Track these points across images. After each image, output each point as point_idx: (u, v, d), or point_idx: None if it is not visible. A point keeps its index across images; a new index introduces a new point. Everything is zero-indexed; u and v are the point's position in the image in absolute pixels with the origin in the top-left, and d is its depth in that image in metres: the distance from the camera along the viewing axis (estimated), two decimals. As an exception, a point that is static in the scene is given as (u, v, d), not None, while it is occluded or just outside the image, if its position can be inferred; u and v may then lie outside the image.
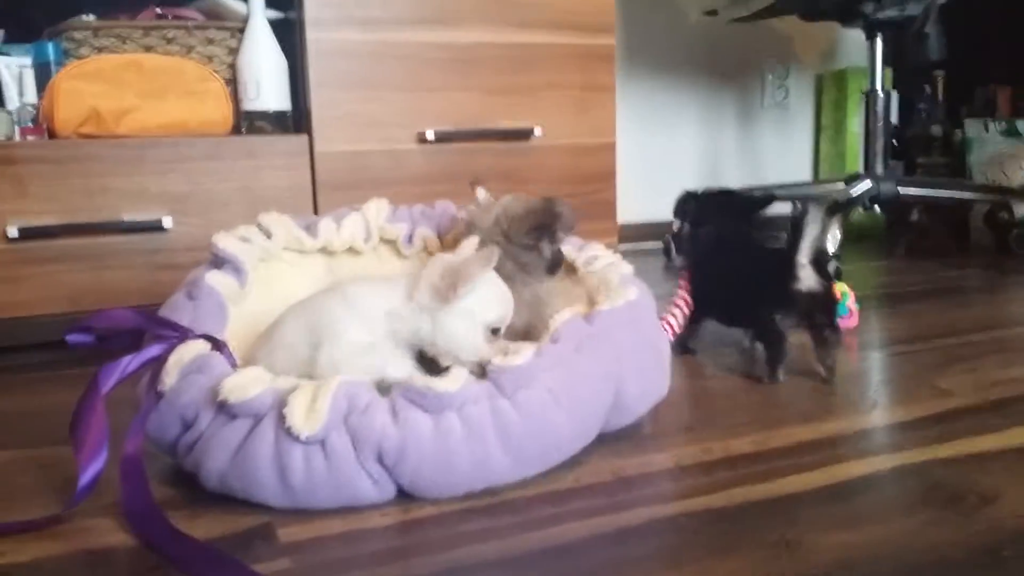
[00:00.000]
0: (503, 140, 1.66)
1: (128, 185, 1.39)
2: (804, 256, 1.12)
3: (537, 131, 1.68)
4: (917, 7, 2.00)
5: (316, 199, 1.53)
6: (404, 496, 0.78)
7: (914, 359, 1.24)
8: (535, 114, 1.69)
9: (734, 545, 0.68)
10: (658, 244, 2.43)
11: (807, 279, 1.11)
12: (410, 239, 1.16)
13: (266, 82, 1.51)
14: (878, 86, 2.16)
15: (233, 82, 1.54)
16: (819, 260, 1.13)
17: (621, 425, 0.90)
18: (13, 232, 1.31)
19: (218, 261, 0.99)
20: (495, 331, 0.86)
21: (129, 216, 1.39)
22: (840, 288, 1.42)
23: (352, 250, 1.16)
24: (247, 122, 1.53)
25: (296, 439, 0.74)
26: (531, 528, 0.72)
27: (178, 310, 0.93)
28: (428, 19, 1.58)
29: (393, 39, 1.56)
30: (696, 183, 2.71)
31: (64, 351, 0.92)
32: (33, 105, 1.42)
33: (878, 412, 1.01)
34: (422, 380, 0.78)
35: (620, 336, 0.90)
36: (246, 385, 0.77)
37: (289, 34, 1.57)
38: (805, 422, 0.97)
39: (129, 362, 0.83)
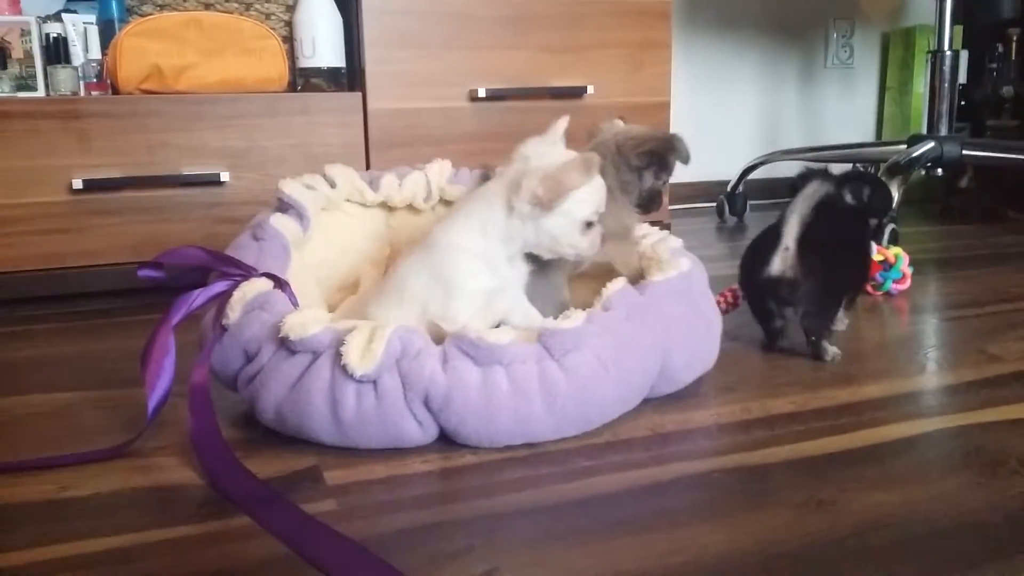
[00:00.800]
0: (555, 98, 1.66)
1: (187, 140, 1.43)
2: (789, 238, 1.01)
3: (590, 89, 1.67)
4: (989, -39, 1.92)
5: (368, 156, 1.55)
6: (446, 442, 0.81)
7: (965, 324, 1.22)
8: (588, 72, 1.68)
9: (766, 502, 0.69)
10: (712, 204, 2.41)
11: (777, 265, 1.02)
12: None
13: (321, 39, 1.53)
14: (945, 45, 2.09)
15: (289, 40, 1.56)
16: (808, 241, 1.01)
17: (666, 392, 0.91)
18: (78, 184, 1.36)
19: (283, 206, 1.03)
20: (590, 224, 0.88)
21: (188, 170, 1.43)
22: (894, 251, 1.40)
23: (412, 207, 1.18)
24: (302, 79, 1.56)
25: (350, 377, 0.77)
26: (568, 479, 0.74)
27: (243, 250, 0.97)
28: (481, -24, 1.58)
29: (447, -4, 1.57)
30: (754, 144, 2.69)
31: (128, 299, 0.96)
32: (97, 61, 1.46)
33: (923, 376, 1.00)
34: (475, 331, 0.80)
35: (670, 307, 0.90)
36: (306, 323, 0.80)
37: (344, -9, 1.59)
38: (847, 385, 0.97)
39: (197, 296, 0.87)
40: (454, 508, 0.69)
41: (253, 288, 0.86)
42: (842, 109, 2.81)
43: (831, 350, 1.05)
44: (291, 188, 1.03)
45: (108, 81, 1.44)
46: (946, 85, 2.09)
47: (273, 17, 1.56)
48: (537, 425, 0.80)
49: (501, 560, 0.60)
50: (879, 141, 2.76)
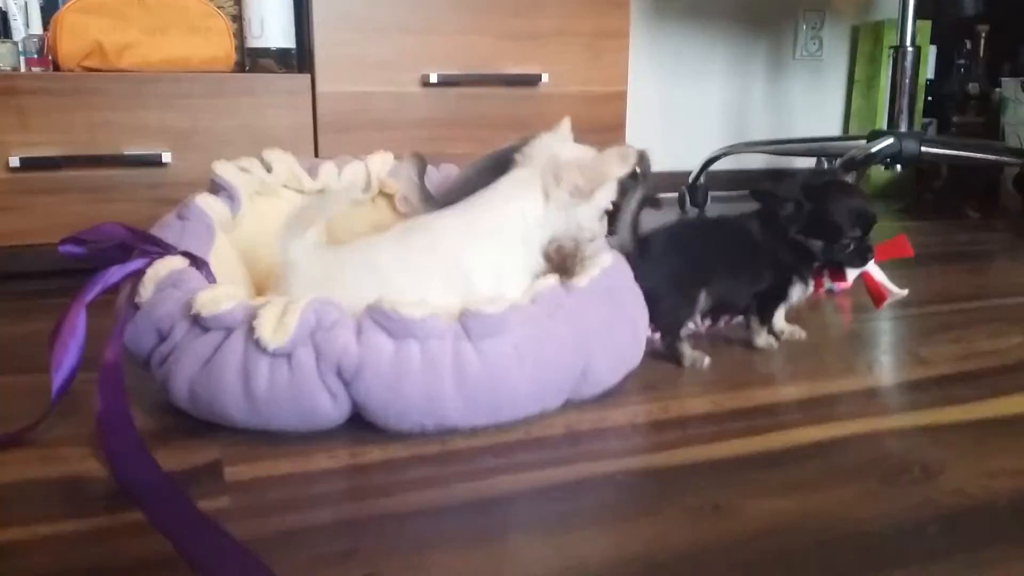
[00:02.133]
0: (510, 86, 1.65)
1: (130, 119, 1.41)
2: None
3: (544, 77, 1.66)
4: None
5: (317, 139, 1.54)
6: (356, 434, 0.80)
7: (903, 324, 1.23)
8: (543, 60, 1.67)
9: (663, 506, 0.69)
10: (676, 195, 2.41)
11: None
12: (404, 198, 1.17)
13: (270, 19, 1.51)
14: (907, 40, 2.09)
15: (239, 19, 1.54)
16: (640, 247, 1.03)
17: (589, 395, 0.90)
18: (15, 162, 1.34)
19: (215, 187, 1.02)
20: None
21: (129, 150, 1.41)
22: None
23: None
24: (250, 60, 1.54)
25: (263, 351, 0.76)
26: (473, 478, 0.74)
27: (167, 229, 0.96)
28: (436, -41, 1.56)
29: (399, -21, 1.55)
30: (721, 135, 2.68)
31: (64, 279, 0.95)
32: (39, 37, 1.43)
33: (848, 378, 1.00)
34: (392, 303, 0.79)
35: (594, 309, 0.89)
36: (218, 299, 0.79)
37: (296, -29, 1.56)
38: (769, 385, 0.97)
39: (112, 274, 0.86)
40: (349, 508, 0.69)
41: (167, 266, 0.85)
42: (810, 101, 2.81)
43: (688, 354, 1.02)
44: (224, 170, 1.02)
45: (49, 57, 1.41)
46: (907, 81, 2.10)
47: (223, -5, 1.53)
48: (447, 405, 0.79)
49: (382, 564, 0.60)
50: (841, 136, 2.76)
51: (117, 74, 1.40)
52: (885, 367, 1.05)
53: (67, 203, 1.39)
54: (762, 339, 1.09)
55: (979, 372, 1.02)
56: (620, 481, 0.74)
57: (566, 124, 1.00)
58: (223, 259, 0.98)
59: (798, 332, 1.13)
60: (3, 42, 1.39)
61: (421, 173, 1.00)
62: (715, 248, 1.07)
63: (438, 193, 1.10)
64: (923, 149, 2.06)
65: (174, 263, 0.86)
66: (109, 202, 1.41)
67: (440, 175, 1.18)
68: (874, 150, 2.05)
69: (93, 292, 0.85)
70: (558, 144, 0.96)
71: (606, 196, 0.94)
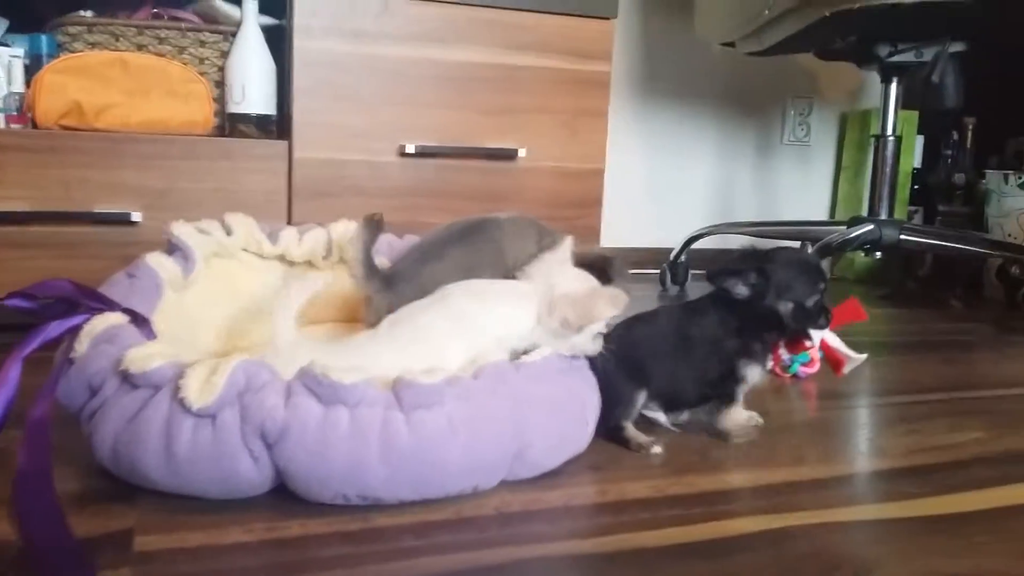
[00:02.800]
0: (487, 159, 1.66)
1: (105, 178, 1.42)
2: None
3: (522, 152, 1.68)
4: (932, 52, 1.96)
5: (291, 204, 1.55)
6: (277, 508, 0.78)
7: (865, 414, 1.21)
8: (521, 136, 1.69)
9: (579, 595, 0.67)
10: (657, 271, 2.41)
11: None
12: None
13: (252, 86, 1.53)
14: (889, 130, 2.11)
15: (222, 85, 1.57)
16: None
17: (526, 475, 0.88)
18: (-17, 216, 1.35)
19: (171, 247, 1.02)
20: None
21: (101, 208, 1.42)
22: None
23: (311, 263, 1.18)
24: (231, 125, 1.56)
25: (188, 411, 0.75)
26: (387, 559, 0.72)
27: (115, 286, 0.98)
28: (417, 35, 1.60)
29: (381, 53, 1.58)
30: (706, 214, 2.70)
31: (12, 334, 0.94)
32: (20, 95, 1.45)
33: (797, 468, 0.98)
34: (323, 368, 0.78)
35: (541, 389, 0.88)
36: (148, 356, 0.79)
37: (281, 41, 1.60)
38: (714, 472, 0.95)
39: (52, 328, 0.85)
40: (253, 584, 0.67)
41: (104, 321, 0.85)
42: (797, 186, 2.83)
43: (634, 441, 1.00)
44: (181, 230, 1.03)
45: (29, 115, 1.43)
46: (888, 169, 2.12)
47: (207, 62, 1.56)
48: (370, 475, 0.77)
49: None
50: (824, 220, 2.78)
51: (96, 133, 1.42)
52: (837, 457, 1.03)
53: (35, 258, 1.39)
54: (729, 420, 1.05)
55: (931, 467, 1.00)
56: (536, 568, 0.72)
57: (567, 244, 1.04)
58: (171, 318, 0.97)
59: (755, 419, 1.09)
60: (-18, 98, 1.42)
61: (368, 243, 1.00)
62: (656, 343, 1.05)
63: (395, 260, 1.10)
64: (902, 237, 2.06)
65: (112, 319, 0.85)
66: (76, 259, 1.41)
67: (403, 245, 1.19)
68: (852, 235, 2.06)
69: (31, 346, 0.84)
70: (557, 267, 1.01)
71: (601, 327, 0.96)
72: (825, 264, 1.81)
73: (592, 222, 1.78)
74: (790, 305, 1.02)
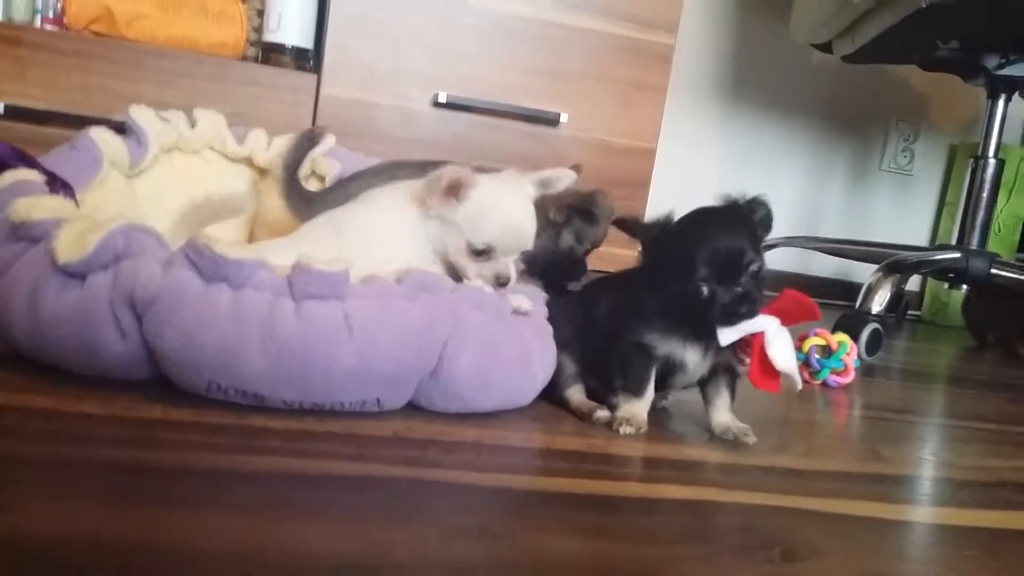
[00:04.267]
0: (525, 121, 1.57)
1: (125, 88, 1.40)
2: None
3: (564, 118, 1.57)
4: (1048, 67, 1.75)
5: (314, 141, 1.49)
6: (159, 388, 0.70)
7: (883, 426, 1.05)
8: (566, 101, 1.59)
9: (431, 518, 0.56)
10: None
11: None
12: (339, 179, 1.09)
13: (288, 15, 1.49)
14: (990, 152, 1.90)
15: (263, 12, 1.53)
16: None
17: (444, 406, 0.77)
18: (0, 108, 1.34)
19: (128, 129, 0.97)
20: (480, 252, 0.85)
21: (120, 117, 1.39)
22: (839, 338, 1.23)
23: (279, 171, 1.10)
24: (264, 53, 1.52)
25: (57, 268, 0.68)
26: (232, 451, 0.62)
27: (54, 154, 0.93)
28: (467, -20, 1.52)
29: (426, -6, 1.51)
30: (789, 232, 2.51)
31: None
32: (59, -2, 1.46)
33: (772, 455, 0.83)
34: (208, 239, 0.69)
35: (474, 314, 0.77)
36: (33, 207, 0.72)
37: (330, -25, 1.55)
38: (669, 442, 0.81)
39: None
40: (69, 450, 0.59)
41: (15, 176, 0.79)
42: (892, 218, 2.62)
43: (575, 403, 0.85)
44: (139, 114, 0.98)
45: (64, 19, 1.42)
46: (984, 195, 1.91)
47: (252, -12, 1.53)
48: (246, 365, 0.67)
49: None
50: (909, 245, 2.54)
51: (121, 42, 1.40)
52: (822, 453, 0.88)
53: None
54: (603, 412, 0.82)
55: (936, 480, 0.84)
56: (409, 488, 0.61)
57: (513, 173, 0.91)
58: (117, 202, 0.91)
59: (743, 434, 0.82)
60: (21, -4, 1.42)
61: (295, 159, 0.92)
62: (573, 311, 0.90)
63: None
64: (993, 271, 1.85)
65: (24, 175, 0.80)
66: (84, 164, 1.39)
67: (353, 160, 1.10)
68: (933, 258, 1.86)
69: None
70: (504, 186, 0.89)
71: (480, 231, 0.85)
72: (889, 283, 1.62)
73: (637, 205, 1.65)
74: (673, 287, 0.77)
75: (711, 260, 0.75)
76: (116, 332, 0.68)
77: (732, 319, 0.75)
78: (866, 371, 1.41)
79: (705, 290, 0.75)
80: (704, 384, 0.84)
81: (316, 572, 0.46)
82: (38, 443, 0.59)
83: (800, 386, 0.79)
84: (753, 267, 0.75)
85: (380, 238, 0.85)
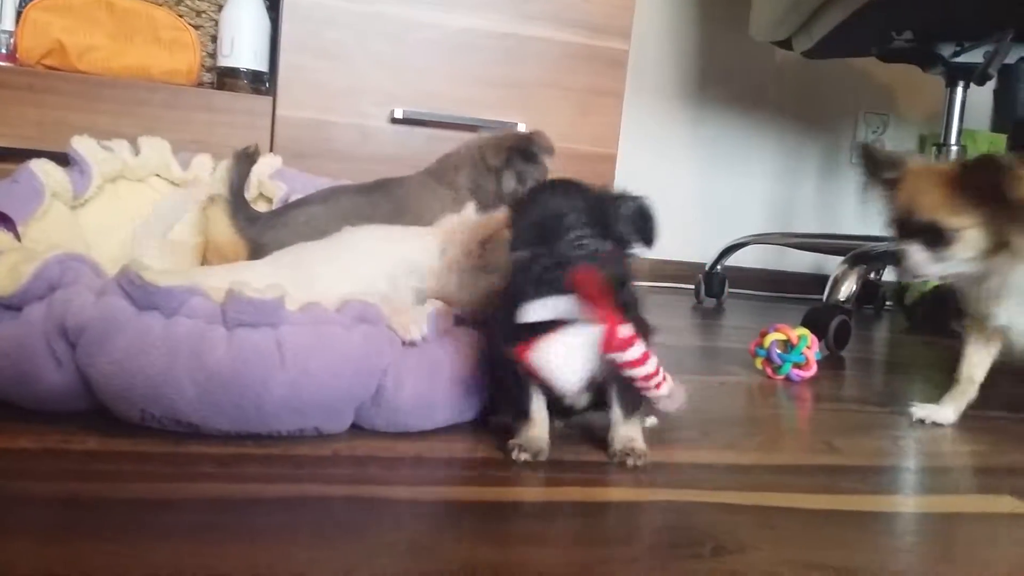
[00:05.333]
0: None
1: (81, 121, 1.40)
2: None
3: (522, 127, 1.57)
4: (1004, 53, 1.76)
5: (272, 164, 1.49)
6: (98, 419, 0.70)
7: (842, 417, 1.05)
8: (524, 111, 1.59)
9: (365, 535, 0.56)
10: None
11: None
12: (285, 202, 1.10)
13: (240, 40, 1.49)
14: (952, 139, 1.91)
15: (217, 37, 1.54)
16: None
17: (387, 426, 0.77)
18: (-48, 147, 1.34)
19: (70, 160, 0.98)
20: None
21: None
22: (799, 332, 1.23)
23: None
24: (220, 78, 1.52)
25: None
26: (165, 480, 0.62)
27: None
28: (418, -4, 1.53)
29: (378, 11, 1.51)
30: (762, 229, 2.52)
31: None
32: (9, 33, 1.46)
33: (720, 451, 0.84)
34: (138, 265, 0.69)
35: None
36: None
37: (281, -1, 1.56)
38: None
39: None
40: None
41: None
42: (865, 208, 2.62)
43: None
44: (81, 144, 0.98)
45: (16, 55, 1.43)
46: (948, 183, 1.91)
47: (204, 15, 1.54)
48: (176, 394, 0.67)
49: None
50: (881, 236, 2.55)
51: (75, 74, 1.40)
52: (775, 448, 0.88)
53: (-2, 193, 1.38)
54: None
55: (884, 469, 0.84)
56: (337, 507, 0.61)
57: (470, 209, 0.92)
58: (61, 234, 0.91)
59: (626, 455, 0.73)
60: (-28, 35, 1.42)
61: (238, 177, 0.92)
62: None
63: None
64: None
65: (-36, 213, 0.80)
66: (41, 197, 1.39)
67: (301, 181, 1.11)
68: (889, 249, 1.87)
69: None
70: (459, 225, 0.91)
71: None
72: (853, 275, 1.62)
73: (600, 210, 1.66)
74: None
75: (531, 222, 0.69)
76: (52, 362, 0.68)
77: (540, 288, 0.66)
78: (835, 363, 1.41)
79: (527, 254, 0.68)
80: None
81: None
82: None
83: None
84: (575, 235, 0.68)
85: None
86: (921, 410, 1.02)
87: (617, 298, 0.68)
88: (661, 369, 0.72)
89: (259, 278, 0.75)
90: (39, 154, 1.34)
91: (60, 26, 1.39)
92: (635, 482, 0.72)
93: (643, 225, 0.72)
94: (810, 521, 0.67)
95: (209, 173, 1.07)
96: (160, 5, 1.48)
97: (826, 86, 2.51)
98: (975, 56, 1.82)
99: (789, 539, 0.62)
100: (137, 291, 0.68)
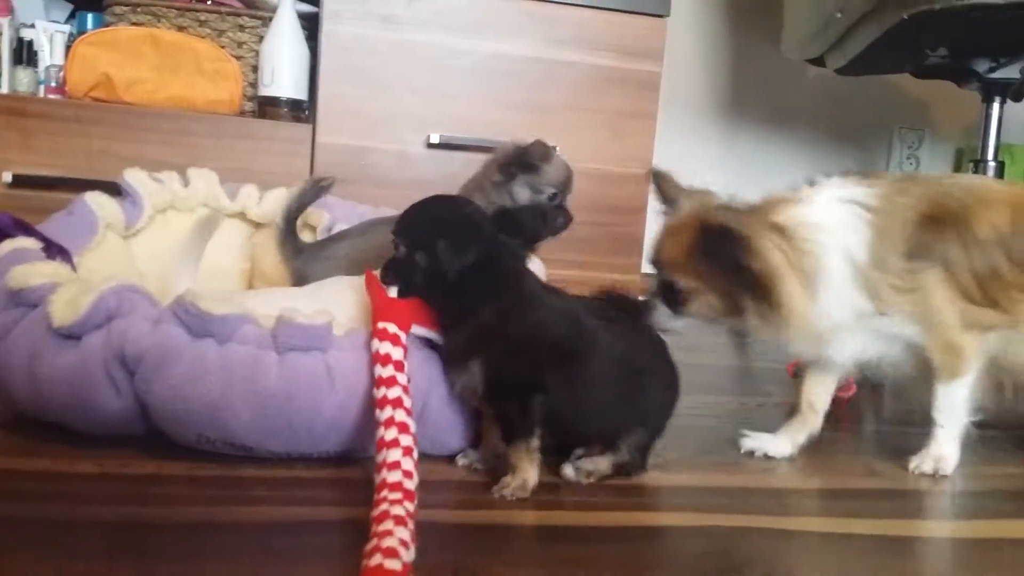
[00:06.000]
0: (518, 155, 1.59)
1: (127, 151, 1.44)
2: None
3: (556, 151, 1.59)
4: (1039, 68, 1.75)
5: (312, 190, 1.52)
6: (155, 443, 0.73)
7: (881, 439, 1.05)
8: (558, 134, 1.60)
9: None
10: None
11: None
12: (329, 230, 1.12)
13: (282, 70, 1.53)
14: (989, 155, 1.90)
15: (258, 67, 1.58)
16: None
17: (433, 450, 0.77)
18: (7, 178, 1.39)
19: (123, 191, 1.01)
20: None
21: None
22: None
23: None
24: (261, 108, 1.56)
25: (53, 331, 0.71)
26: (219, 503, 0.65)
27: (52, 221, 0.97)
28: (452, 24, 1.56)
29: (412, 40, 1.54)
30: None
31: None
32: (59, 67, 1.51)
33: (761, 474, 0.84)
34: (193, 295, 0.72)
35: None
36: (30, 274, 0.76)
37: (318, 28, 1.59)
38: (663, 471, 0.83)
39: None
40: (60, 509, 0.61)
41: (14, 244, 0.83)
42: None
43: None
44: (133, 176, 1.02)
45: (65, 88, 1.48)
46: (987, 198, 1.90)
47: (245, 46, 1.57)
48: (232, 418, 0.70)
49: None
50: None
51: (121, 106, 1.45)
52: (831, 471, 0.88)
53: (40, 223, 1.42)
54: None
55: (923, 493, 0.84)
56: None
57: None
58: (115, 264, 0.95)
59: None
60: (24, 69, 1.47)
61: (294, 207, 0.95)
62: None
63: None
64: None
65: (23, 243, 0.84)
66: (90, 226, 1.43)
67: (344, 209, 1.13)
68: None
69: None
70: None
71: None
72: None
73: (635, 230, 1.67)
74: None
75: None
76: (111, 389, 0.71)
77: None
78: (874, 383, 1.40)
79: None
80: None
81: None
82: (37, 504, 0.62)
83: None
84: (401, 248, 0.74)
85: None
86: (752, 441, 0.90)
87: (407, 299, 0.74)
88: (400, 418, 0.66)
89: (303, 305, 0.77)
90: (88, 183, 1.39)
91: (108, 60, 1.43)
92: (673, 507, 0.73)
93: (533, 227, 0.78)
94: (856, 547, 0.67)
95: (255, 203, 1.10)
96: (203, 38, 1.52)
97: (860, 102, 2.50)
98: (1011, 72, 1.81)
99: (836, 566, 0.63)
100: (192, 319, 0.71)
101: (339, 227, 1.09)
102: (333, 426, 0.72)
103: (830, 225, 0.81)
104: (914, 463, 0.87)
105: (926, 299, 0.81)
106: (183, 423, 0.71)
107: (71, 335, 0.71)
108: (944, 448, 0.87)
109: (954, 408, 0.86)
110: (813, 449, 0.98)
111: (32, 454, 0.71)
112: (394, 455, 0.62)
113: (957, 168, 2.62)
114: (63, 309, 0.71)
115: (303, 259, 0.95)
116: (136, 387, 0.70)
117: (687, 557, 0.63)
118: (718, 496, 0.76)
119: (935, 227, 0.82)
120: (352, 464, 0.74)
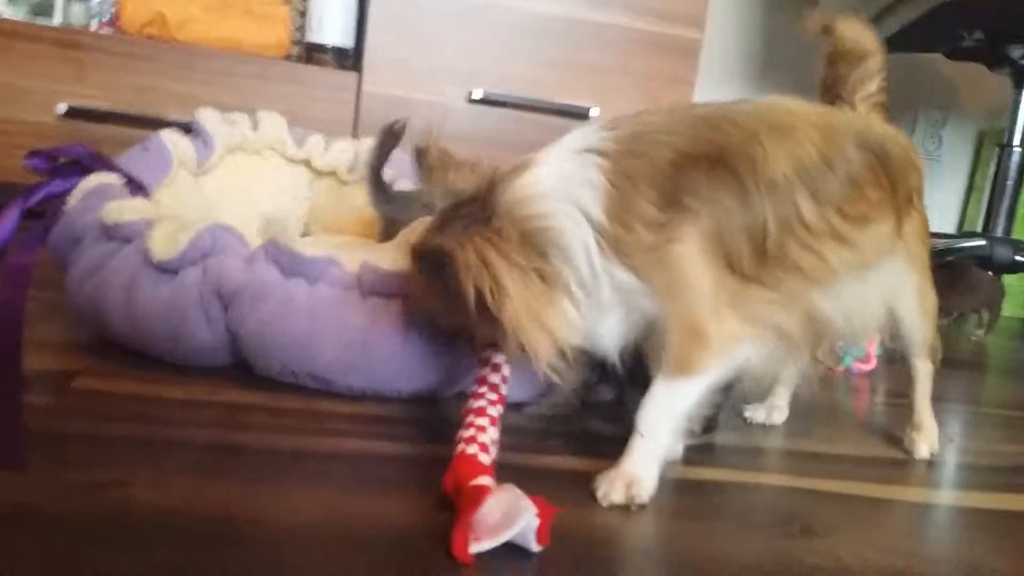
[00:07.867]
0: (556, 115, 1.62)
1: (177, 88, 1.47)
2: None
3: (594, 111, 1.62)
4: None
5: (356, 137, 1.55)
6: (238, 374, 0.77)
7: (902, 412, 1.10)
8: (596, 95, 1.64)
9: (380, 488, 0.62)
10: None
11: None
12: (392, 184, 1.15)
13: (328, 16, 1.55)
14: (1015, 141, 1.93)
15: (305, 13, 1.59)
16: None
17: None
18: (62, 109, 1.41)
19: (194, 131, 1.05)
20: None
21: (172, 116, 1.46)
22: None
23: (336, 176, 1.17)
24: (308, 53, 1.58)
25: (151, 264, 0.75)
26: (300, 433, 0.69)
27: (128, 155, 1.00)
28: (501, -20, 1.57)
29: (462, -6, 1.56)
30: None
31: None
32: (113, 2, 1.52)
33: (797, 438, 0.89)
34: (287, 238, 0.76)
35: None
36: (123, 209, 0.80)
37: (369, -23, 1.61)
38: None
39: (55, 185, 0.88)
40: (139, 429, 0.66)
41: (99, 179, 0.86)
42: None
43: None
44: (205, 116, 1.05)
45: (119, 23, 1.50)
46: (1009, 183, 1.94)
47: (298, -10, 1.59)
48: (317, 354, 0.75)
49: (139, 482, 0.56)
50: (933, 232, 2.56)
51: (172, 44, 1.47)
52: (852, 439, 0.93)
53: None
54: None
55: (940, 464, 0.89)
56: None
57: None
58: (187, 200, 0.98)
59: None
60: (78, 2, 1.49)
61: (380, 154, 0.98)
62: None
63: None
64: (1018, 258, 1.88)
65: (106, 178, 0.87)
66: (140, 161, 1.46)
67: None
68: (957, 246, 1.90)
69: (34, 198, 0.86)
70: None
71: None
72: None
73: (665, 195, 1.70)
74: None
75: None
76: (204, 322, 0.75)
77: None
78: (892, 358, 1.45)
79: None
80: None
81: (385, 541, 0.52)
82: (137, 425, 0.66)
83: None
84: None
85: None
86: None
87: None
88: None
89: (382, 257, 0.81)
90: (137, 118, 1.42)
91: (161, -2, 1.45)
92: (721, 464, 0.78)
93: None
94: (884, 509, 0.72)
95: (321, 152, 1.13)
96: (255, -20, 1.54)
97: (888, 79, 2.50)
98: (1042, 57, 1.84)
99: (868, 525, 0.68)
100: (285, 260, 0.75)
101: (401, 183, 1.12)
102: (410, 367, 0.77)
103: (559, 188, 0.62)
104: (601, 490, 0.62)
105: (675, 261, 0.61)
106: (270, 356, 0.75)
107: (167, 269, 0.75)
108: (639, 468, 0.63)
109: (671, 414, 0.64)
110: (840, 420, 1.03)
111: (122, 378, 0.75)
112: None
113: (978, 149, 2.65)
114: (163, 244, 0.75)
115: (393, 206, 0.99)
116: (228, 320, 0.74)
117: (736, 509, 0.67)
118: (760, 456, 0.81)
119: (700, 168, 0.62)
120: (422, 405, 0.79)
